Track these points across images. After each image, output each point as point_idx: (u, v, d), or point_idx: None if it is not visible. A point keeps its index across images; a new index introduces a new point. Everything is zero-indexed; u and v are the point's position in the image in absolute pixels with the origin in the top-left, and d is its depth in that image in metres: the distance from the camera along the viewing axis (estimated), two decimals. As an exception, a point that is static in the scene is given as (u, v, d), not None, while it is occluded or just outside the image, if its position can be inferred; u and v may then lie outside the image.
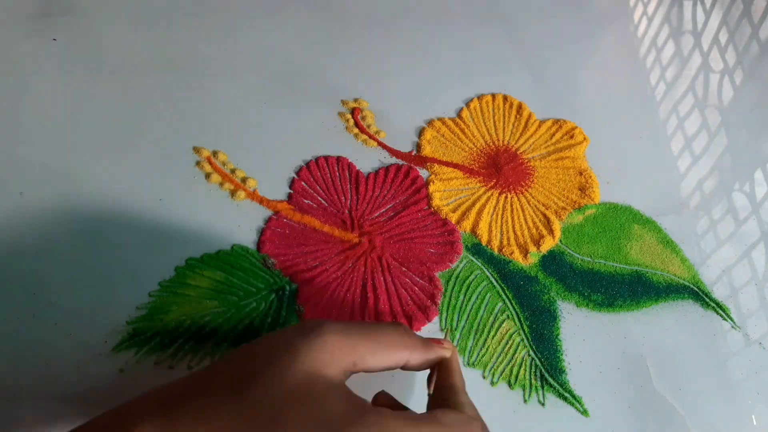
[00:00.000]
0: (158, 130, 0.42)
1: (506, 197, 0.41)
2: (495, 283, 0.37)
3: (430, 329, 0.35)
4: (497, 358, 0.34)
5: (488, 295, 0.36)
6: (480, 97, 0.46)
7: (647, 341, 0.35)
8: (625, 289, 0.37)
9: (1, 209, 0.37)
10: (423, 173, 0.42)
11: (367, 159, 0.42)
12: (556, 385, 0.34)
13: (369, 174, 0.41)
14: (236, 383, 0.24)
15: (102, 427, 0.24)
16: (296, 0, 0.52)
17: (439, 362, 0.29)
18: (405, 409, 0.28)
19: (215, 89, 0.45)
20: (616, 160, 0.44)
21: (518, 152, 0.44)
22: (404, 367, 0.28)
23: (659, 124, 0.47)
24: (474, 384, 0.33)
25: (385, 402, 0.29)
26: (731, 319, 0.37)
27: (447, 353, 0.29)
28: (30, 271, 0.35)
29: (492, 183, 0.42)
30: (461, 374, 0.29)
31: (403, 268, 0.37)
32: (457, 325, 0.35)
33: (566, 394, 0.33)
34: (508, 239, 0.39)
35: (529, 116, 0.46)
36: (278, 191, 0.40)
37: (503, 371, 0.34)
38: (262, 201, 0.39)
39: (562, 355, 0.35)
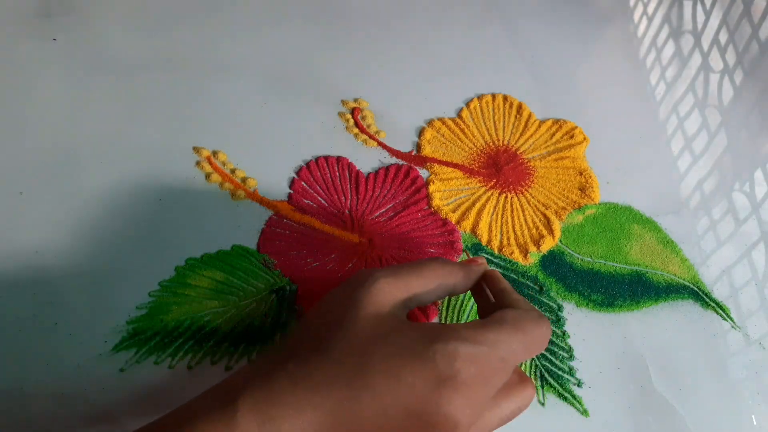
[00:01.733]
0: (158, 130, 0.42)
1: (506, 197, 0.41)
2: (495, 283, 0.37)
3: (430, 329, 0.35)
4: (497, 358, 0.34)
5: (488, 295, 0.36)
6: (480, 97, 0.46)
7: (647, 341, 0.35)
8: (625, 289, 0.37)
9: (1, 209, 0.37)
10: (423, 173, 0.42)
11: (367, 159, 0.42)
12: (555, 384, 0.34)
13: (369, 174, 0.41)
14: (316, 344, 0.26)
15: (209, 401, 0.26)
16: (297, 0, 0.52)
17: (483, 275, 0.32)
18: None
19: (215, 89, 0.45)
20: (616, 160, 0.44)
21: (518, 152, 0.44)
22: (452, 293, 0.30)
23: (659, 124, 0.47)
24: (474, 384, 0.33)
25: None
26: (731, 319, 0.37)
27: (484, 267, 0.32)
28: (30, 271, 0.35)
29: (492, 183, 0.42)
30: (503, 278, 0.31)
31: (403, 268, 0.37)
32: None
33: (566, 394, 0.33)
34: (508, 239, 0.39)
35: (529, 116, 0.46)
36: (278, 191, 0.40)
37: (503, 371, 0.34)
38: (262, 201, 0.39)
39: (562, 355, 0.35)
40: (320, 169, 0.41)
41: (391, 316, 0.27)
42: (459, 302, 0.36)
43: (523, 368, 0.34)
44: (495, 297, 0.30)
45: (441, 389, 0.24)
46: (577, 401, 0.33)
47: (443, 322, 0.35)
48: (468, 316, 0.35)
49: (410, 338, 0.26)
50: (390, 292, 0.28)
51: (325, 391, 0.25)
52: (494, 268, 0.32)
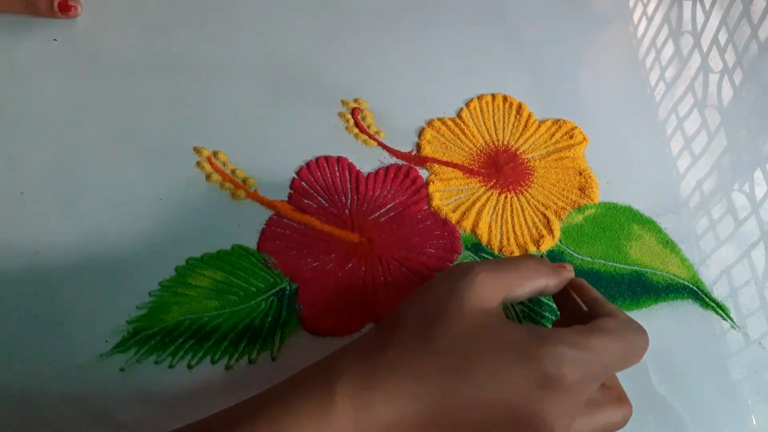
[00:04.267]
0: (159, 130, 0.42)
1: (506, 197, 0.41)
2: (495, 283, 0.37)
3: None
4: (497, 357, 0.34)
5: (488, 294, 0.36)
6: (480, 97, 0.46)
7: (647, 341, 0.35)
8: (625, 289, 0.37)
9: (1, 209, 0.37)
10: (423, 173, 0.42)
11: (367, 159, 0.42)
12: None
13: (369, 174, 0.41)
14: (418, 331, 0.26)
15: (306, 383, 0.26)
16: (297, 0, 0.52)
17: (569, 284, 0.31)
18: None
19: (216, 89, 0.45)
20: (616, 160, 0.44)
21: (518, 152, 0.44)
22: (541, 293, 0.31)
23: (659, 124, 0.47)
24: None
25: None
26: (731, 318, 0.37)
27: (572, 274, 0.32)
28: (30, 270, 0.35)
29: (492, 183, 0.42)
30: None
31: (403, 268, 0.37)
32: (457, 324, 0.35)
33: (566, 394, 0.33)
34: (508, 239, 0.39)
35: (529, 116, 0.46)
36: (278, 191, 0.40)
37: (503, 371, 0.34)
38: (262, 201, 0.39)
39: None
40: (320, 169, 0.41)
41: (493, 312, 0.27)
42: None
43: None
44: (589, 306, 0.30)
45: (544, 391, 0.24)
46: (577, 401, 0.33)
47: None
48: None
49: (517, 337, 0.26)
50: (491, 287, 0.28)
51: (425, 380, 0.25)
52: (580, 278, 0.32)
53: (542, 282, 0.30)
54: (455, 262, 0.38)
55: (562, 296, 0.31)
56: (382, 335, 0.28)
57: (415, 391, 0.25)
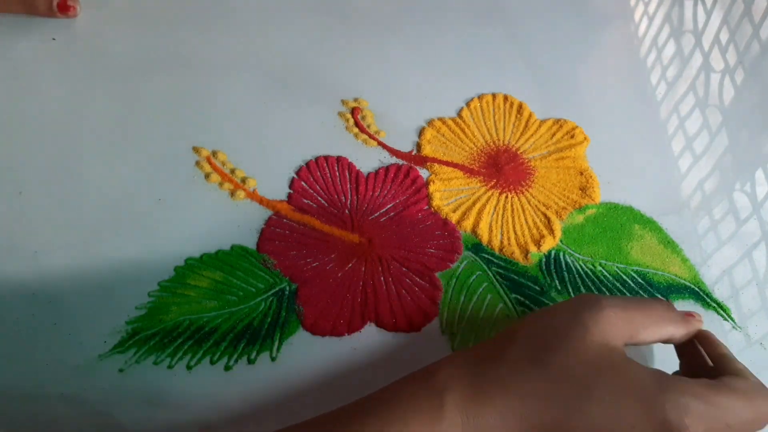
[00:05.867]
0: (158, 129, 0.42)
1: (507, 197, 0.41)
2: (496, 284, 0.37)
3: (430, 329, 0.35)
4: (497, 358, 0.34)
5: (489, 295, 0.36)
6: (480, 97, 0.46)
7: (648, 341, 0.35)
8: (626, 290, 0.37)
9: (1, 209, 0.37)
10: (423, 173, 0.42)
11: (367, 159, 0.42)
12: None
13: (369, 174, 0.41)
14: (534, 354, 0.26)
15: (415, 389, 0.26)
16: (297, 0, 0.52)
17: (696, 334, 0.30)
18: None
19: (215, 89, 0.45)
20: (617, 159, 0.44)
21: (519, 152, 0.43)
22: (667, 340, 0.30)
23: (660, 124, 0.47)
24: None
25: None
26: (732, 319, 0.37)
27: (701, 325, 0.30)
28: (30, 271, 0.35)
29: (492, 183, 0.42)
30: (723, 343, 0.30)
31: (403, 268, 0.37)
32: (457, 325, 0.35)
33: (567, 395, 0.33)
34: (509, 239, 0.39)
35: (530, 116, 0.46)
36: (278, 191, 0.40)
37: (503, 371, 0.34)
38: (261, 201, 0.39)
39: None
40: (320, 169, 0.41)
41: (616, 350, 0.26)
42: (459, 303, 0.36)
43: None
44: (714, 361, 0.29)
45: None
46: (578, 402, 0.33)
47: (443, 323, 0.35)
48: (468, 319, 0.35)
49: (640, 379, 0.25)
50: (617, 324, 0.27)
51: (534, 403, 0.25)
52: (706, 330, 0.31)
53: (670, 330, 0.29)
54: (455, 263, 0.37)
55: (687, 347, 0.30)
56: (494, 350, 0.27)
57: (524, 413, 0.24)
